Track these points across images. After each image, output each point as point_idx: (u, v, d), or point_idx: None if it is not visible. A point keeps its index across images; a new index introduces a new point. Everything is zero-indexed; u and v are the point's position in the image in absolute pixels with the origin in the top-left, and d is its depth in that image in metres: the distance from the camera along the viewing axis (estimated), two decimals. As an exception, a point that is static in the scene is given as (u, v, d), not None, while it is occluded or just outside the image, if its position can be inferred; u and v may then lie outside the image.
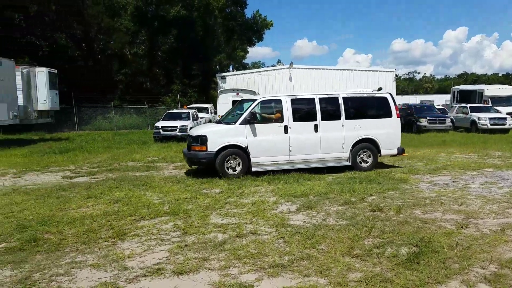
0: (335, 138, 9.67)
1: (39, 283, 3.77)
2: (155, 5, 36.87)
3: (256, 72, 34.34)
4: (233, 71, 51.62)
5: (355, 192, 7.36)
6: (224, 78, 32.77)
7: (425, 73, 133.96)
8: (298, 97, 9.82)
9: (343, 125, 9.74)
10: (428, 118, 21.96)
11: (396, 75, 33.07)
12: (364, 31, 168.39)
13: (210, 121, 25.37)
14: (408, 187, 7.87)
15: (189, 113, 20.68)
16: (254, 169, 9.28)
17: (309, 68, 32.12)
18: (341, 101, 9.78)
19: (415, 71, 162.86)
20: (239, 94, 18.51)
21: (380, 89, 11.86)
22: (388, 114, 10.10)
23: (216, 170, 9.11)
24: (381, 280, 3.68)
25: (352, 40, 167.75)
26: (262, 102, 9.71)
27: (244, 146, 9.18)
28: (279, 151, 9.38)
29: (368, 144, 9.95)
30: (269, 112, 9.82)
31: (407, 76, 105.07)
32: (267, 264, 4.11)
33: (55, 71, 21.50)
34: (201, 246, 4.68)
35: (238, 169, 9.22)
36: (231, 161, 9.18)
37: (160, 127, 19.00)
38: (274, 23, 68.17)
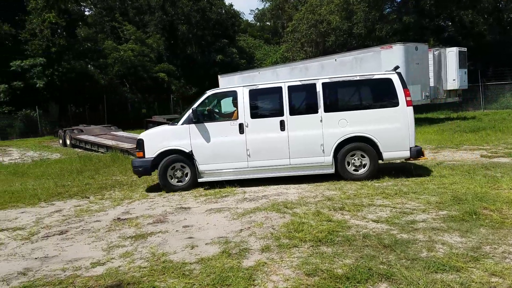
0: (310, 138, 7.63)
1: (492, 256, 3.82)
2: None
3: None
4: None
5: None
6: None
7: None
8: (260, 87, 7.91)
9: (321, 120, 7.60)
10: None
11: None
12: None
13: None
14: None
15: None
16: (202, 179, 7.84)
17: None
18: (319, 89, 7.67)
19: None
20: None
21: (396, 68, 7.89)
22: (393, 102, 7.45)
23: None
24: None
25: None
26: (213, 96, 8.02)
27: (187, 151, 7.67)
28: (233, 156, 7.72)
29: (361, 145, 7.56)
30: (229, 107, 8.37)
31: None
32: None
33: (465, 49, 21.25)
34: None
35: (186, 179, 7.89)
36: (176, 170, 7.88)
37: None
38: None
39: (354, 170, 7.67)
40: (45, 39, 27.57)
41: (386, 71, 8.00)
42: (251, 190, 7.48)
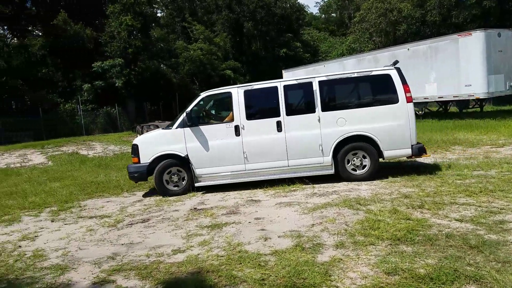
0: (308, 138, 7.36)
1: None
2: None
3: None
4: None
5: None
6: None
7: None
8: (255, 87, 7.61)
9: (319, 120, 7.30)
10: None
11: None
12: None
13: None
14: None
15: None
16: (199, 183, 7.66)
17: None
18: (316, 87, 7.36)
19: None
20: None
21: (396, 62, 7.45)
22: (392, 99, 7.17)
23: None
24: None
25: None
26: (207, 97, 7.91)
27: (183, 155, 7.47)
28: (230, 159, 7.52)
29: (361, 144, 7.28)
30: (223, 109, 8.32)
31: None
32: None
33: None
34: None
35: (183, 183, 7.73)
36: (173, 175, 7.69)
37: None
38: None
39: (354, 170, 7.48)
40: (122, 40, 29.54)
41: (384, 66, 7.57)
42: (320, 186, 7.41)
